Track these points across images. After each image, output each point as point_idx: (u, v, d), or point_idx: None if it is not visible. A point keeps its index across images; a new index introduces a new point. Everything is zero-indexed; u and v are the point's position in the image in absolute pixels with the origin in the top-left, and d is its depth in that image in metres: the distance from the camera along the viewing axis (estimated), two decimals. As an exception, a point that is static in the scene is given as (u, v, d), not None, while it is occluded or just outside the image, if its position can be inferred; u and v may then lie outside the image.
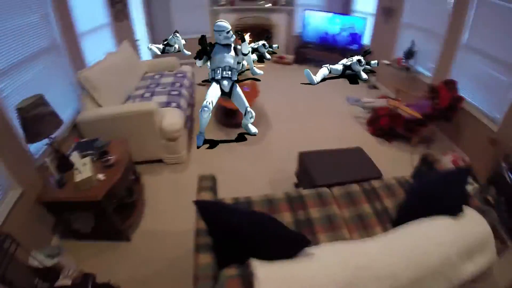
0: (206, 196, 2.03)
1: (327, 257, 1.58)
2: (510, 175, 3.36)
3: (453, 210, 2.00)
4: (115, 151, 2.44)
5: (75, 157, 2.12)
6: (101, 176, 2.16)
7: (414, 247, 1.74)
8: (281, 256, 1.50)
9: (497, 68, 4.01)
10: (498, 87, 4.03)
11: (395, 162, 4.17)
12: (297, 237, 1.64)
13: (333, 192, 2.51)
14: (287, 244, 1.58)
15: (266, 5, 6.76)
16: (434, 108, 4.32)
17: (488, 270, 1.93)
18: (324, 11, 7.08)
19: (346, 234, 2.20)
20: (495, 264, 1.95)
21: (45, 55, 2.78)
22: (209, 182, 2.17)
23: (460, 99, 4.19)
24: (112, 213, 2.20)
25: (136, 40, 5.21)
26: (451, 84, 4.42)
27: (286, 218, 2.22)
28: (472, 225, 1.96)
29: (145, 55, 5.34)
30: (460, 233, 1.87)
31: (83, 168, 2.09)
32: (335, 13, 6.95)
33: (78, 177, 2.01)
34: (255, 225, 1.58)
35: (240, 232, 1.54)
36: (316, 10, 7.05)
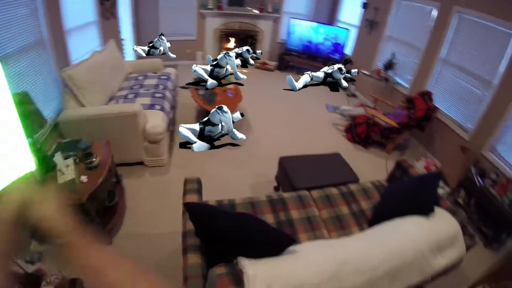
0: (192, 198, 2.07)
1: (311, 254, 1.68)
2: (479, 179, 3.60)
3: (425, 210, 2.19)
4: (98, 153, 2.41)
5: (58, 158, 2.09)
6: (84, 178, 2.14)
7: (390, 243, 1.89)
8: (267, 254, 1.59)
9: (472, 82, 4.27)
10: (472, 100, 4.29)
11: (371, 167, 4.36)
12: (282, 236, 1.72)
13: (312, 195, 2.64)
14: (273, 242, 1.66)
15: (253, 12, 6.85)
16: (409, 118, 4.51)
17: (457, 263, 2.12)
18: (309, 21, 7.25)
19: (325, 233, 2.32)
20: (464, 258, 2.14)
21: (31, 51, 2.73)
22: (195, 185, 2.21)
23: (435, 109, 4.41)
24: (95, 216, 2.18)
25: (122, 40, 5.15)
26: (426, 95, 4.65)
27: (268, 219, 2.30)
28: (442, 223, 2.15)
29: (129, 55, 5.30)
30: (432, 231, 2.05)
31: (66, 169, 2.07)
32: (320, 23, 7.13)
33: (61, 179, 1.99)
34: (242, 225, 1.65)
35: (228, 232, 1.61)
36: (302, 19, 7.22)
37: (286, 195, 2.58)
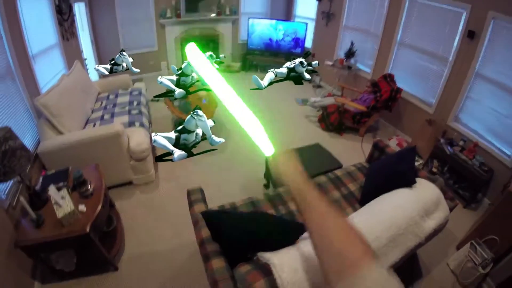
0: (200, 207, 2.09)
1: None
2: (449, 148, 3.90)
3: (408, 182, 2.42)
4: (89, 179, 2.37)
5: (52, 191, 2.03)
6: (82, 208, 2.10)
7: (384, 215, 2.08)
8: (284, 245, 1.68)
9: (429, 60, 4.57)
10: (430, 76, 4.61)
11: (349, 151, 4.58)
12: (295, 225, 1.82)
13: (304, 186, 2.74)
14: (288, 233, 1.75)
15: (211, 16, 6.85)
16: (377, 100, 4.75)
17: (444, 223, 2.34)
18: (268, 19, 7.36)
19: (324, 218, 2.43)
20: (449, 218, 2.38)
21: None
22: (199, 195, 2.23)
23: (399, 90, 4.67)
24: (100, 244, 2.14)
25: (84, 59, 5.00)
26: (389, 77, 4.92)
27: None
28: (425, 191, 2.39)
29: (92, 75, 5.15)
30: (417, 198, 2.27)
31: (63, 201, 2.02)
32: (277, 19, 7.26)
33: (60, 213, 1.93)
34: (257, 223, 1.73)
35: (246, 231, 1.68)
36: (260, 18, 7.31)
37: (281, 189, 2.70)
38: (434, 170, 4.11)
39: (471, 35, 3.82)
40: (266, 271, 1.51)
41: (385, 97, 4.68)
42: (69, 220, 1.97)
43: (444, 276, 2.84)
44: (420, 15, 4.63)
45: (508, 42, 3.51)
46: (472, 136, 3.96)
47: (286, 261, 1.54)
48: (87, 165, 2.62)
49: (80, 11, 5.25)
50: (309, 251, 1.65)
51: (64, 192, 2.14)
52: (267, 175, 3.44)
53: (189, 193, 2.26)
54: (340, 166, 3.29)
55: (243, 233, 1.68)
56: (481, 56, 3.79)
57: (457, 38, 4.06)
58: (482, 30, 3.70)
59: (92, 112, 3.76)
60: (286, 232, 1.75)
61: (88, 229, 1.97)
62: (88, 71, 4.97)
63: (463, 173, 3.77)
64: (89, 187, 2.26)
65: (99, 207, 2.16)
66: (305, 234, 1.76)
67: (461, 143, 3.97)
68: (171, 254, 2.66)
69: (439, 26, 4.33)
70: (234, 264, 1.64)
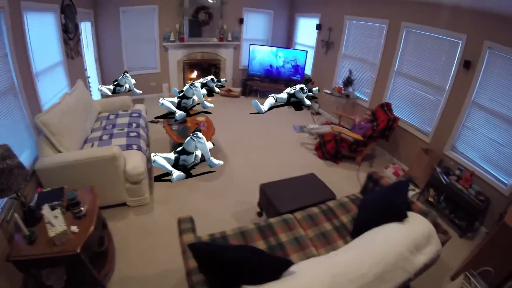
0: (189, 237, 2.12)
1: (306, 272, 1.81)
2: (445, 177, 3.93)
3: (399, 216, 2.43)
4: (83, 200, 2.39)
5: (46, 210, 2.06)
6: (75, 229, 2.11)
7: (373, 250, 2.08)
8: (268, 279, 1.69)
9: (425, 89, 4.68)
10: (427, 105, 4.70)
11: (344, 180, 4.57)
12: (279, 260, 1.83)
13: (296, 217, 2.79)
14: (272, 268, 1.76)
15: (214, 41, 7.04)
16: (373, 130, 4.82)
17: (436, 258, 2.34)
18: (268, 46, 7.58)
19: (314, 251, 2.46)
20: (441, 252, 2.38)
21: (2, 98, 2.64)
22: (189, 224, 2.26)
23: (396, 119, 4.74)
24: (90, 265, 2.15)
25: (88, 78, 5.11)
26: (386, 106, 5.01)
27: (260, 245, 2.40)
28: (416, 225, 2.40)
29: (95, 93, 5.25)
30: (408, 234, 2.28)
31: (56, 221, 2.05)
32: (278, 47, 7.47)
33: (52, 232, 1.95)
34: (243, 257, 1.73)
35: (231, 265, 1.68)
36: (261, 45, 7.52)
37: (272, 220, 2.70)
38: (430, 199, 4.12)
39: (467, 64, 3.93)
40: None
41: (381, 127, 4.75)
42: (61, 239, 1.99)
43: None
44: (417, 45, 4.78)
45: (503, 71, 3.62)
46: (468, 165, 4.01)
47: None
48: (82, 186, 2.63)
49: (86, 30, 5.41)
50: (292, 286, 1.66)
51: (58, 212, 2.17)
52: (262, 203, 3.46)
53: (179, 222, 2.29)
54: (333, 197, 3.30)
55: (228, 266, 1.69)
56: (477, 85, 3.89)
57: (453, 67, 4.17)
58: (478, 60, 3.81)
59: (91, 132, 3.82)
60: (271, 267, 1.75)
61: (79, 250, 1.98)
62: (91, 89, 5.07)
63: (459, 202, 3.77)
64: (82, 208, 2.28)
65: (91, 229, 2.17)
66: (290, 269, 1.78)
67: (457, 172, 4.00)
68: (161, 278, 2.64)
69: (436, 55, 4.46)
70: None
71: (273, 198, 3.12)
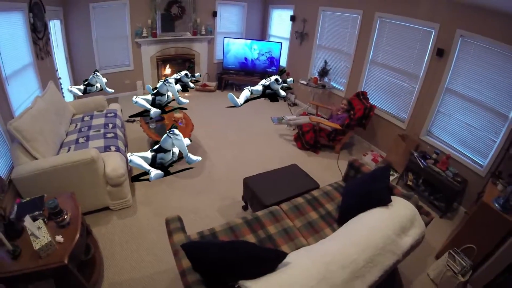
0: (179, 237, 2.09)
1: (300, 262, 1.85)
2: (422, 161, 4.08)
3: (383, 201, 2.51)
4: (65, 207, 2.30)
5: (28, 222, 1.97)
6: (60, 238, 2.04)
7: (361, 236, 2.15)
8: (264, 272, 1.70)
9: (399, 76, 4.81)
10: (402, 92, 4.84)
11: (325, 169, 4.66)
12: (274, 252, 1.84)
13: (283, 208, 2.82)
14: (267, 261, 1.77)
15: (187, 35, 6.91)
16: (351, 118, 4.92)
17: (421, 238, 2.44)
18: (242, 38, 7.51)
19: (303, 240, 2.51)
20: (425, 233, 2.49)
21: None
22: (177, 224, 2.23)
23: (372, 107, 4.86)
24: (78, 274, 2.09)
25: (59, 79, 4.90)
26: (362, 95, 5.12)
27: (250, 239, 2.42)
28: (400, 209, 2.49)
29: (68, 95, 5.05)
30: (393, 217, 2.37)
31: (39, 232, 1.97)
32: (252, 39, 7.43)
33: (37, 244, 1.87)
34: (237, 252, 1.73)
35: (226, 262, 1.69)
36: (235, 38, 7.45)
37: (259, 213, 2.72)
38: (409, 183, 4.27)
39: (440, 52, 4.07)
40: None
41: (358, 115, 4.85)
42: (46, 251, 1.92)
43: (425, 286, 2.94)
44: (391, 35, 4.88)
45: (475, 58, 3.77)
46: (444, 149, 4.18)
47: None
48: (62, 193, 2.54)
49: (55, 29, 5.18)
50: (288, 277, 1.70)
51: (40, 222, 2.09)
52: (246, 197, 3.47)
53: (167, 222, 2.25)
54: (317, 187, 3.36)
55: (223, 263, 1.69)
56: (450, 72, 4.04)
57: (427, 55, 4.31)
58: (451, 48, 3.96)
59: (66, 135, 3.68)
60: (266, 260, 1.76)
61: (66, 261, 1.91)
62: (63, 90, 4.87)
63: (437, 185, 3.94)
64: (65, 216, 2.20)
65: (77, 237, 2.10)
66: (285, 261, 1.81)
67: (434, 155, 4.16)
68: (152, 281, 2.61)
69: (410, 44, 4.57)
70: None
71: (258, 191, 3.15)
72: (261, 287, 1.59)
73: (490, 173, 3.61)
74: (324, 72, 6.17)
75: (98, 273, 2.46)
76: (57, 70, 4.88)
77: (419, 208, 2.66)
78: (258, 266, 1.72)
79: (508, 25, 3.39)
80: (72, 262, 1.99)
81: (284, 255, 1.80)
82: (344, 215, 2.68)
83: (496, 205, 2.77)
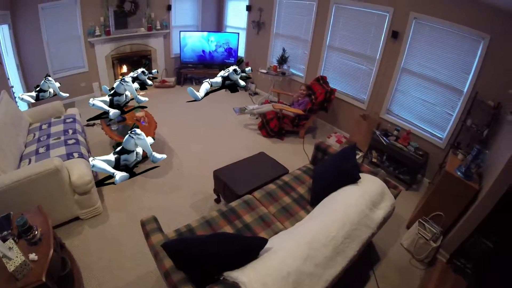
0: (157, 237, 2.08)
1: (283, 245, 1.93)
2: (384, 138, 4.33)
3: (353, 179, 2.68)
4: (34, 223, 2.21)
5: (-2, 244, 1.90)
6: (33, 256, 1.97)
7: (336, 213, 2.29)
8: (248, 260, 1.76)
9: (357, 60, 5.01)
10: (360, 75, 5.05)
11: (292, 154, 4.80)
12: (255, 240, 1.90)
13: (256, 196, 2.91)
14: (250, 249, 1.82)
15: (142, 31, 6.68)
16: (312, 103, 5.06)
17: (392, 210, 2.65)
18: (199, 31, 7.39)
19: (280, 225, 2.61)
20: (395, 205, 2.70)
21: None
22: (154, 224, 2.21)
23: (333, 91, 5.03)
24: (58, 290, 2.04)
25: (11, 87, 4.58)
26: (321, 79, 5.27)
27: (227, 230, 2.47)
28: (370, 184, 2.68)
29: (22, 104, 4.76)
30: (363, 193, 2.54)
31: (11, 253, 1.90)
32: (209, 31, 7.33)
33: (11, 266, 1.79)
34: (218, 244, 1.77)
35: (208, 255, 1.72)
36: (191, 31, 7.32)
37: (233, 204, 2.77)
38: (374, 160, 4.50)
39: (395, 35, 4.28)
40: (236, 290, 1.56)
41: (320, 99, 4.99)
42: (22, 272, 1.83)
43: (400, 255, 3.14)
44: (346, 20, 5.03)
45: (428, 38, 4.00)
46: (404, 125, 4.44)
47: (253, 277, 1.62)
48: (29, 208, 2.43)
49: (4, 34, 4.82)
50: (272, 262, 1.77)
51: (11, 242, 1.99)
52: (218, 189, 3.50)
53: (143, 224, 2.23)
54: (286, 172, 3.46)
55: (206, 257, 1.72)
56: (405, 53, 4.26)
57: (382, 38, 4.51)
58: (405, 30, 4.17)
59: (25, 147, 3.49)
60: (248, 248, 1.81)
61: (44, 278, 1.84)
62: (16, 99, 4.59)
63: (401, 160, 4.19)
64: (35, 232, 2.12)
65: (51, 252, 2.02)
66: (267, 246, 1.88)
67: (395, 132, 4.41)
68: (135, 286, 2.58)
69: (365, 28, 4.75)
70: (202, 287, 1.68)
71: (229, 182, 3.20)
72: (248, 275, 1.63)
73: (449, 144, 3.89)
74: (283, 60, 6.25)
75: (79, 287, 2.40)
76: (8, 79, 4.55)
77: (386, 182, 2.84)
78: (241, 255, 1.77)
79: (457, 6, 3.62)
80: (50, 280, 1.93)
81: (265, 241, 1.86)
82: (317, 196, 2.80)
83: (459, 173, 3.00)
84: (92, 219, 3.26)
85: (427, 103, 4.23)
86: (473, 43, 3.63)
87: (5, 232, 2.15)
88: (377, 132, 4.51)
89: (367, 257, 3.01)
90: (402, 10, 4.19)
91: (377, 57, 4.66)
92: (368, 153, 4.66)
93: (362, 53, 4.94)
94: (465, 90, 3.75)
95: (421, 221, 3.19)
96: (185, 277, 1.74)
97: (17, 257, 1.88)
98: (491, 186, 2.61)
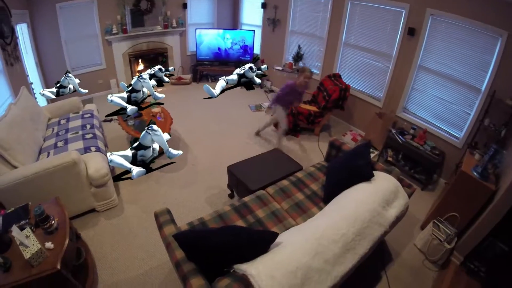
0: (170, 229, 2.10)
1: (293, 240, 1.93)
2: (400, 137, 4.23)
3: (366, 176, 2.63)
4: (52, 213, 2.27)
5: (16, 232, 1.95)
6: (49, 245, 2.03)
7: (348, 211, 2.25)
8: (258, 254, 1.76)
9: (373, 57, 4.92)
10: (376, 72, 4.96)
11: (307, 152, 4.76)
12: (268, 234, 1.90)
13: (269, 192, 2.90)
14: (260, 242, 1.83)
15: (158, 29, 6.77)
16: (326, 100, 5.00)
17: (405, 209, 2.59)
18: (214, 29, 7.44)
19: (292, 221, 2.60)
20: (409, 204, 2.63)
21: None
22: (167, 216, 2.24)
23: (347, 87, 4.95)
24: (73, 280, 2.08)
25: (31, 84, 4.73)
26: (333, 77, 5.20)
27: (240, 225, 2.47)
28: (383, 182, 2.62)
29: (40, 100, 4.91)
30: (377, 190, 2.49)
31: (28, 241, 1.96)
32: (225, 29, 7.36)
33: (27, 253, 1.85)
34: (230, 237, 1.78)
35: (220, 247, 1.73)
36: (207, 28, 7.36)
37: (246, 199, 2.78)
38: (390, 159, 4.41)
39: (411, 31, 4.19)
40: (245, 282, 1.58)
41: (334, 97, 4.94)
42: (37, 259, 1.90)
43: (413, 256, 3.08)
44: (362, 16, 4.96)
45: (446, 35, 3.90)
46: (421, 124, 4.34)
47: (262, 270, 1.62)
48: (47, 199, 2.50)
49: (23, 33, 4.97)
50: (282, 257, 1.77)
51: (28, 231, 2.06)
52: (232, 185, 3.52)
53: (156, 216, 2.26)
54: (300, 168, 3.44)
55: (216, 248, 1.73)
56: (422, 50, 4.16)
57: (398, 35, 4.41)
58: (422, 27, 4.07)
59: (44, 141, 3.59)
60: (258, 241, 1.82)
61: (59, 266, 1.90)
62: (36, 95, 4.73)
63: (416, 159, 4.09)
64: (52, 222, 2.18)
65: (67, 241, 2.08)
66: (277, 241, 1.88)
67: (411, 131, 4.32)
68: (147, 277, 2.63)
69: (381, 25, 4.67)
70: (212, 279, 1.69)
71: (243, 178, 3.20)
72: (257, 268, 1.64)
73: (466, 144, 3.78)
74: (298, 57, 6.21)
75: (92, 276, 2.45)
76: (28, 75, 4.69)
77: (400, 180, 2.79)
78: (251, 249, 1.78)
79: (474, 2, 3.52)
80: (65, 268, 1.98)
81: (275, 235, 1.86)
82: (330, 193, 2.77)
83: (475, 173, 2.91)
84: (107, 211, 3.33)
85: (444, 101, 4.13)
86: (490, 40, 3.51)
87: (23, 221, 2.23)
88: (393, 131, 4.43)
89: (379, 257, 2.97)
90: (418, 7, 4.10)
91: (393, 54, 4.57)
92: (384, 152, 4.57)
93: (378, 50, 4.86)
94: (483, 88, 3.63)
95: (436, 221, 3.11)
96: (196, 268, 1.76)
97: (33, 245, 1.94)
98: (508, 187, 2.50)
